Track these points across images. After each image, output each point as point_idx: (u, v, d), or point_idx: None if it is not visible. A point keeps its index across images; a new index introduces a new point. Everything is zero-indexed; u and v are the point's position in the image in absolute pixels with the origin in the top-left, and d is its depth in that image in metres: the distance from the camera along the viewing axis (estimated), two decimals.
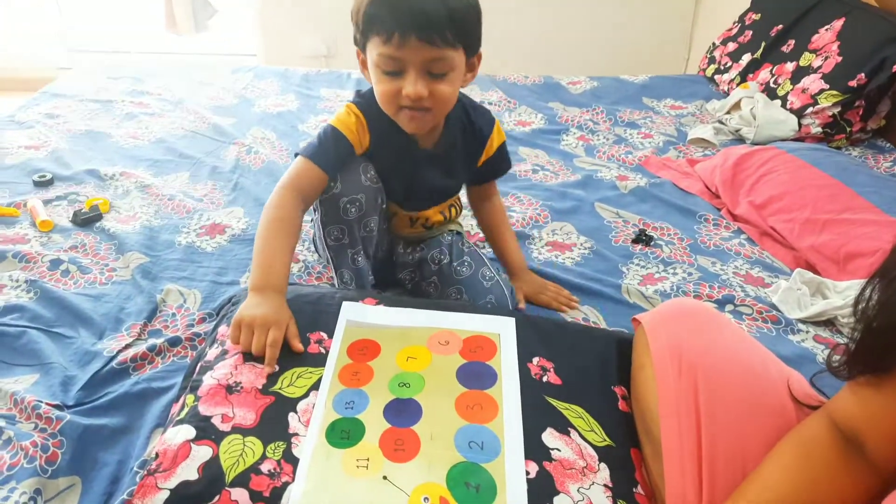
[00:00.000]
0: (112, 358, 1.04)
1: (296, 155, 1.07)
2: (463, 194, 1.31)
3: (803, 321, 1.20)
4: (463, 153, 1.17)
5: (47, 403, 0.93)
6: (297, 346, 0.87)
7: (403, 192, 1.16)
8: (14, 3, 3.17)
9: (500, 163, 1.23)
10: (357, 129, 1.06)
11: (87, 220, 1.40)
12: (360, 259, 1.11)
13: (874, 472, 0.63)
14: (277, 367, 0.84)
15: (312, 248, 1.36)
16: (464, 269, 1.17)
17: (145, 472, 0.71)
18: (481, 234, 1.46)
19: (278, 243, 0.97)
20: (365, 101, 1.08)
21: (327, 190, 1.04)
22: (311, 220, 1.25)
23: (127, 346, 1.07)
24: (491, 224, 1.29)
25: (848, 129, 1.83)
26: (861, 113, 1.82)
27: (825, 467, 0.65)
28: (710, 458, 0.72)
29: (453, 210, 1.28)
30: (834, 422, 0.66)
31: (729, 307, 1.24)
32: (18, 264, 1.25)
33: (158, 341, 1.07)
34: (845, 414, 0.65)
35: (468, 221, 1.41)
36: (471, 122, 1.15)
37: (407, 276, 1.25)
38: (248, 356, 0.85)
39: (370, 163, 1.08)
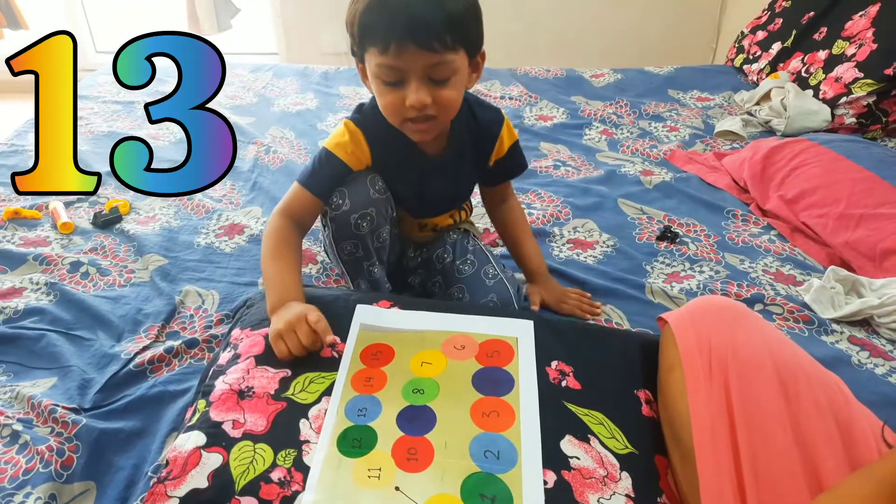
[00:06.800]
0: (129, 360, 1.04)
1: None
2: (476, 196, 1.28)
3: (837, 321, 1.15)
4: (472, 155, 1.12)
5: (64, 407, 0.93)
6: (329, 337, 0.85)
7: (412, 200, 1.13)
8: (45, 5, 3.22)
9: (514, 163, 1.17)
10: (352, 149, 1.04)
11: (107, 221, 1.41)
12: (375, 270, 1.09)
13: None
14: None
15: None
16: (466, 268, 1.14)
17: (155, 480, 0.70)
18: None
19: (284, 264, 0.98)
20: (363, 116, 1.06)
21: (337, 207, 1.02)
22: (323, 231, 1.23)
23: (144, 349, 1.07)
24: (508, 228, 1.24)
25: (884, 120, 1.76)
26: None
27: None
28: (750, 459, 0.69)
29: (463, 213, 1.24)
30: None
31: (758, 306, 1.19)
32: (39, 267, 1.26)
33: (176, 343, 1.07)
34: None
35: (485, 220, 1.37)
36: (477, 122, 1.10)
37: (416, 278, 1.23)
38: (260, 359, 0.84)
39: (377, 174, 1.06)
